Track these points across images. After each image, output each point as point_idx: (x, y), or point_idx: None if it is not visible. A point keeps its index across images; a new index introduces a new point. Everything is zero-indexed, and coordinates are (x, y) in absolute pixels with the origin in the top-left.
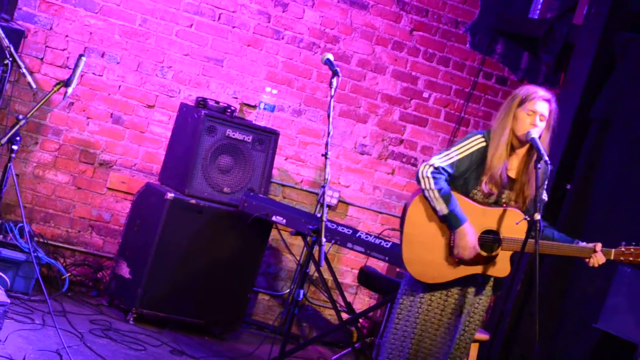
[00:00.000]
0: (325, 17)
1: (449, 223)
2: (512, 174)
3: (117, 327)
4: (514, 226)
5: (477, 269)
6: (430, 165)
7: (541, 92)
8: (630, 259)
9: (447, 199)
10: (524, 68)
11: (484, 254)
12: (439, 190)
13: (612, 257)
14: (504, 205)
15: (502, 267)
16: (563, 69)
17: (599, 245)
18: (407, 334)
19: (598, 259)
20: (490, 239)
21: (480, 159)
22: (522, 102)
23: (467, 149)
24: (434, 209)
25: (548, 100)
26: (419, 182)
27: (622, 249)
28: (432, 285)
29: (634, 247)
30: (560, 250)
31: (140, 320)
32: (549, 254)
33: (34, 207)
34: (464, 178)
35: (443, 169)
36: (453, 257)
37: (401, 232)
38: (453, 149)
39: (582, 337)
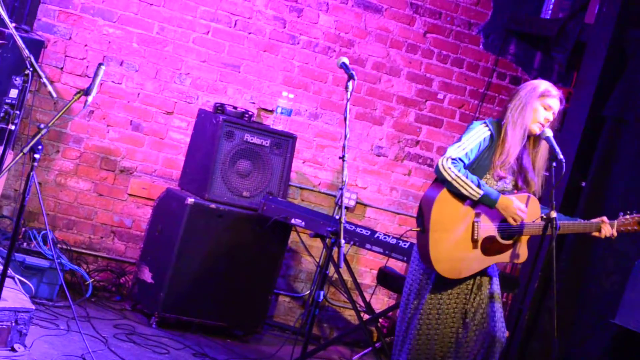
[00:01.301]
0: (339, 22)
1: (486, 202)
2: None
3: (141, 331)
4: (529, 211)
5: (501, 258)
6: (448, 158)
7: (555, 90)
8: (629, 228)
9: (477, 183)
10: (537, 68)
11: (505, 242)
12: (466, 176)
13: (614, 229)
14: (515, 191)
15: (521, 252)
16: (576, 67)
17: (604, 218)
18: (430, 334)
19: (607, 230)
20: (510, 228)
21: (485, 147)
22: (541, 96)
23: (476, 138)
24: (468, 195)
25: (561, 100)
26: (441, 175)
27: (622, 219)
28: (450, 282)
29: (630, 215)
30: (569, 228)
31: (163, 324)
32: (563, 234)
33: (57, 215)
34: (472, 168)
35: (460, 159)
36: (482, 249)
37: (422, 231)
38: (464, 139)
39: (600, 333)
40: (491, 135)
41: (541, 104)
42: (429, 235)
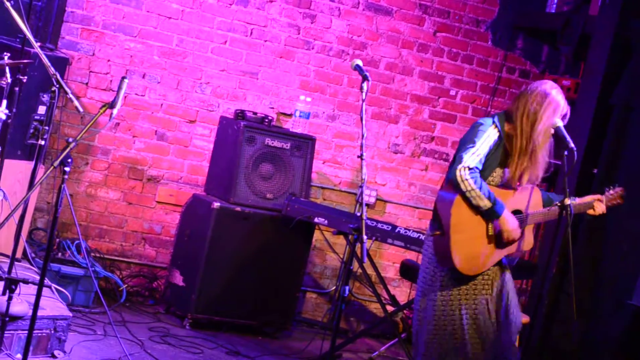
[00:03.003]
0: (352, 25)
1: (492, 215)
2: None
3: (175, 333)
4: (532, 201)
5: (511, 249)
6: (466, 167)
7: (566, 104)
8: (615, 202)
9: (487, 194)
10: (544, 60)
11: None
12: (480, 188)
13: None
14: (518, 184)
15: (528, 240)
16: (582, 58)
17: (599, 196)
18: (452, 326)
19: (600, 207)
20: (519, 218)
21: (494, 146)
22: (562, 115)
23: (488, 142)
24: (477, 206)
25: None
26: (457, 185)
27: (608, 195)
28: (461, 277)
29: (614, 190)
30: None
31: (196, 325)
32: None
33: (89, 224)
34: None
35: (477, 167)
36: (495, 243)
37: (442, 234)
38: (477, 144)
39: (618, 314)
40: (499, 135)
41: (558, 118)
42: (449, 237)
